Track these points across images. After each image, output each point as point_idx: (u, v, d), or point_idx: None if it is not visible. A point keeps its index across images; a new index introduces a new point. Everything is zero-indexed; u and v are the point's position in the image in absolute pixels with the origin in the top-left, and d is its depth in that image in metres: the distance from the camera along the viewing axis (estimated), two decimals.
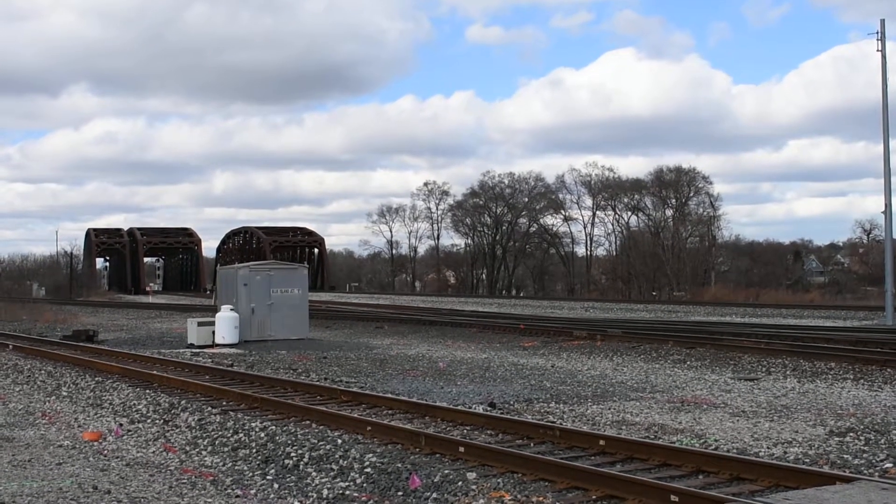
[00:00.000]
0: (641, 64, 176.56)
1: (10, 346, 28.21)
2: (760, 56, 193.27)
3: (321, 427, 13.00)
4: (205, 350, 27.29)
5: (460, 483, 9.55)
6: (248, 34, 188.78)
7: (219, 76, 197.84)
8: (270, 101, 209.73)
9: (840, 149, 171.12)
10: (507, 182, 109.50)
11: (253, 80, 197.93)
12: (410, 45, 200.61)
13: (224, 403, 15.61)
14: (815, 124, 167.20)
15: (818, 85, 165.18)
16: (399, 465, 10.42)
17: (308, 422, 13.49)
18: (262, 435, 12.54)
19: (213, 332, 28.60)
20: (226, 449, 12.34)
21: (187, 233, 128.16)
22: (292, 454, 11.45)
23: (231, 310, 28.88)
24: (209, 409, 14.90)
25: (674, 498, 8.39)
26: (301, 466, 10.99)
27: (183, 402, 15.75)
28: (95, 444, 13.07)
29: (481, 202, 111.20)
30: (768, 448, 11.41)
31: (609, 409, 14.93)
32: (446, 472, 9.99)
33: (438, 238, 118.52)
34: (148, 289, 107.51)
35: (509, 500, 8.88)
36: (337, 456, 11.07)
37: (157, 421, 14.57)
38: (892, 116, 36.33)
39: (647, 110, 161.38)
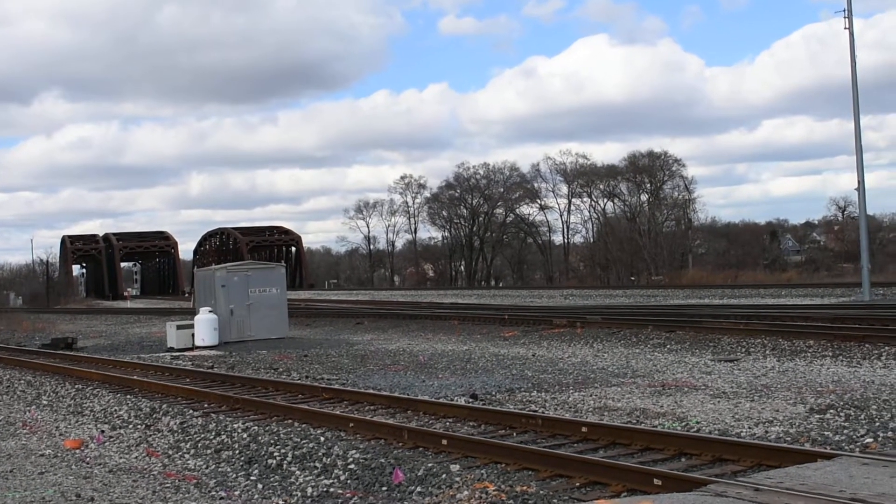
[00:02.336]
0: (614, 50, 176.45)
1: None
2: (732, 38, 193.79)
3: (303, 425, 12.98)
4: (185, 353, 27.19)
5: (444, 476, 9.55)
6: (219, 34, 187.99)
7: (192, 77, 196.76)
8: (244, 100, 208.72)
9: (814, 127, 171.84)
10: (482, 173, 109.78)
11: (226, 80, 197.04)
12: (383, 40, 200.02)
13: (206, 406, 15.57)
14: (789, 104, 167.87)
15: (790, 64, 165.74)
16: (382, 460, 10.42)
17: (290, 421, 13.47)
18: (245, 436, 12.51)
19: (193, 335, 28.51)
20: (209, 451, 12.31)
21: (163, 236, 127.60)
22: (275, 454, 11.43)
23: (210, 311, 28.80)
24: (191, 412, 14.85)
25: (657, 481, 8.42)
26: (284, 466, 10.97)
27: (164, 406, 15.68)
28: (77, 451, 13.01)
29: (457, 194, 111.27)
30: (750, 428, 11.47)
31: (591, 395, 14.97)
32: (430, 465, 9.99)
33: (416, 232, 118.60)
34: (126, 294, 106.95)
35: (493, 490, 8.88)
36: (320, 454, 11.06)
37: (139, 426, 14.50)
38: (863, 93, 36.61)
39: (622, 96, 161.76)
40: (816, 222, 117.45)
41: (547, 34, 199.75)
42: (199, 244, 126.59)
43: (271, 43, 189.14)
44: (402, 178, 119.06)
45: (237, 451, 11.97)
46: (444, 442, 10.91)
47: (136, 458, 12.48)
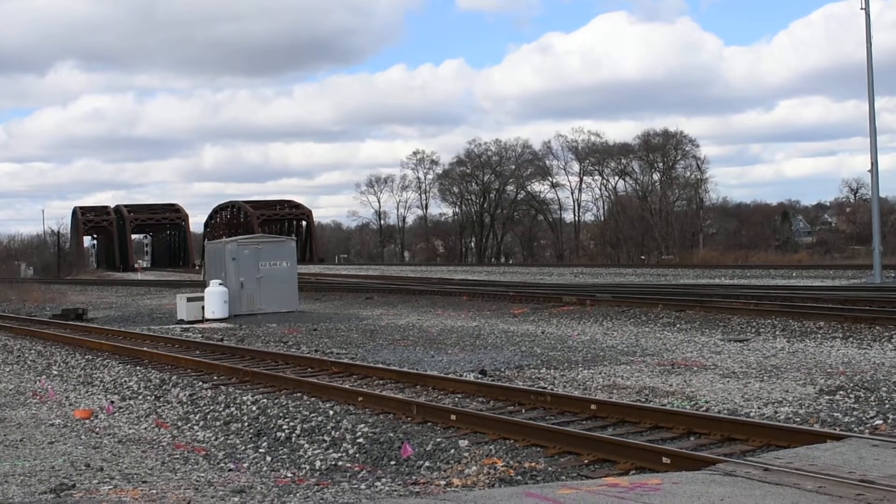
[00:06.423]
0: (633, 27, 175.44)
1: None
2: (751, 17, 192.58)
3: (312, 399, 12.99)
4: (195, 325, 27.26)
5: (452, 451, 9.56)
6: (236, 7, 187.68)
7: (207, 49, 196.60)
8: (259, 73, 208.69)
9: (830, 108, 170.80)
10: (493, 150, 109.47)
11: (242, 53, 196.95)
12: (400, 14, 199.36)
13: (215, 378, 15.60)
14: (806, 84, 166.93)
15: (809, 44, 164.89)
16: (391, 434, 10.43)
17: (299, 394, 13.48)
18: (254, 408, 12.54)
19: (203, 308, 28.56)
20: (217, 423, 12.34)
21: (174, 209, 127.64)
22: (284, 427, 11.45)
23: (220, 284, 28.83)
24: (200, 383, 14.89)
25: (665, 460, 8.41)
26: (293, 438, 11.00)
27: (174, 377, 15.73)
28: (87, 421, 13.06)
29: (468, 170, 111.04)
30: (759, 408, 11.45)
31: (600, 373, 14.96)
32: (438, 440, 10.00)
33: (427, 207, 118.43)
34: (137, 266, 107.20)
35: (502, 466, 8.89)
36: (329, 427, 11.08)
37: (149, 397, 14.55)
38: (880, 75, 36.33)
39: (638, 74, 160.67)
40: (828, 204, 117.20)
41: (566, 10, 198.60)
42: (210, 217, 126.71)
43: (288, 16, 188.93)
44: (415, 153, 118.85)
45: (246, 424, 12.00)
46: (453, 417, 10.91)
47: (146, 428, 12.53)
